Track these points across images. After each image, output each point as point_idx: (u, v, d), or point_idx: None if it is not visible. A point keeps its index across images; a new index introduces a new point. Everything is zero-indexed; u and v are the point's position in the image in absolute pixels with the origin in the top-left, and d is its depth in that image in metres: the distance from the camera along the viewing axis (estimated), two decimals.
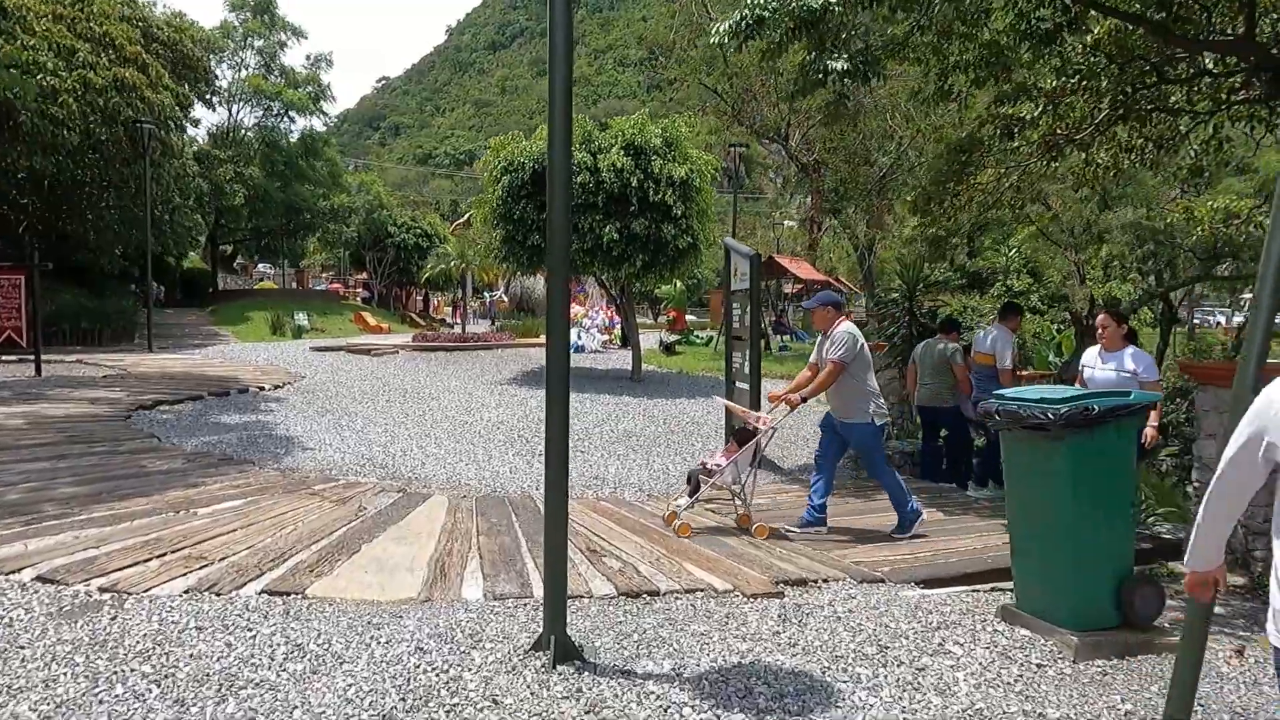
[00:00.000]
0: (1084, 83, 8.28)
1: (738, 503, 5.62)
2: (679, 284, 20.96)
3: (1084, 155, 9.12)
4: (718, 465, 5.57)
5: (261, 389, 11.93)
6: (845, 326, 5.47)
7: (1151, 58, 7.98)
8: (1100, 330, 5.80)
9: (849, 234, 21.18)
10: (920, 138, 18.36)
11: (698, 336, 23.66)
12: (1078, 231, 16.72)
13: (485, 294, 39.11)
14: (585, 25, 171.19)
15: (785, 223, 35.72)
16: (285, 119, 32.52)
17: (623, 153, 12.97)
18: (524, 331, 23.04)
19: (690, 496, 5.60)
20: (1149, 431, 5.39)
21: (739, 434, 5.72)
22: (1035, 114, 8.81)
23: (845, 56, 7.29)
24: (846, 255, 33.48)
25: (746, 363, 7.98)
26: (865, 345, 5.49)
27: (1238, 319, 38.60)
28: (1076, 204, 15.85)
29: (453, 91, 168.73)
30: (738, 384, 8.44)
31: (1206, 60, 7.80)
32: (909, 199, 10.25)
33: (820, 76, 7.45)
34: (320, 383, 13.07)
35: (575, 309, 20.65)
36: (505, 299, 38.78)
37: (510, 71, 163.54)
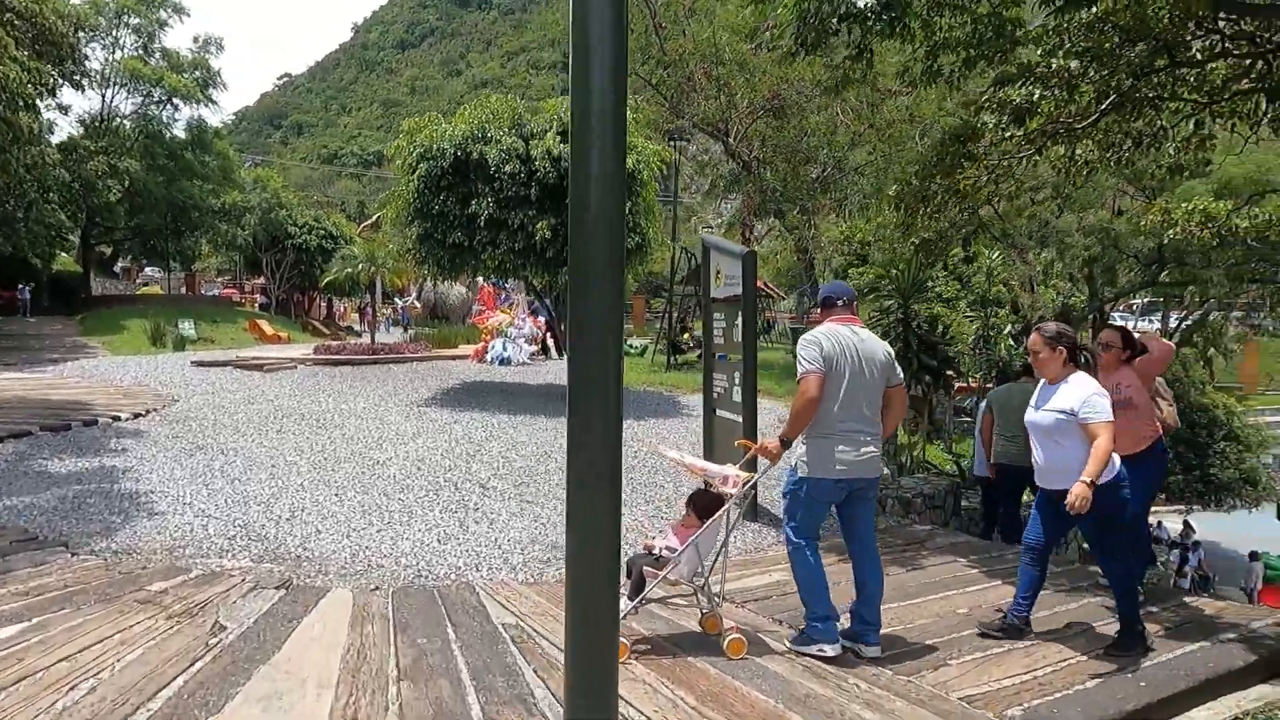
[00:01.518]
0: (1094, 63, 7.24)
1: (701, 600, 3.96)
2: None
3: (1070, 149, 8.16)
4: (668, 551, 3.83)
5: (116, 418, 9.63)
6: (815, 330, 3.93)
7: (1162, 35, 6.92)
8: (1032, 356, 4.19)
9: (794, 235, 19.95)
10: (871, 133, 17.29)
11: (632, 346, 22.06)
12: (1035, 234, 15.92)
13: (397, 300, 36.53)
14: (498, 27, 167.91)
15: (715, 223, 34.59)
16: (169, 107, 29.31)
17: (558, 138, 11.25)
18: (441, 340, 20.92)
19: (631, 597, 3.82)
20: (1074, 491, 3.68)
21: (699, 501, 3.97)
22: (1036, 98, 7.70)
23: None
24: (773, 256, 32.57)
25: (736, 386, 6.41)
26: (839, 347, 3.80)
27: (1147, 323, 39.73)
28: (1039, 205, 15.04)
29: (359, 90, 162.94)
30: (719, 412, 6.85)
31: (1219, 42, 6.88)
32: (889, 194, 8.89)
33: (835, 23, 5.98)
34: (196, 408, 10.82)
35: (499, 317, 18.72)
36: (418, 305, 36.33)
37: (420, 71, 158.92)
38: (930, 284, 8.83)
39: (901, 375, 4.03)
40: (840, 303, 3.99)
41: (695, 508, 3.84)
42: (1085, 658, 3.86)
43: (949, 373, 8.81)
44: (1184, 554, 16.93)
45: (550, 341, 19.22)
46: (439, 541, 5.52)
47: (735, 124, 19.24)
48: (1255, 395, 34.93)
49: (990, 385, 11.99)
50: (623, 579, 3.91)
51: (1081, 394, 3.88)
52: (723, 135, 19.31)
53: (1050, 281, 19.49)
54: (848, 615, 3.93)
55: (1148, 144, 8.01)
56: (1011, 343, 16.30)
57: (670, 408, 12.49)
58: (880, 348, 3.92)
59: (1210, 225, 11.90)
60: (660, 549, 3.84)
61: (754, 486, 3.88)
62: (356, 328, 33.43)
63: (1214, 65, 7.17)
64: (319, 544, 5.36)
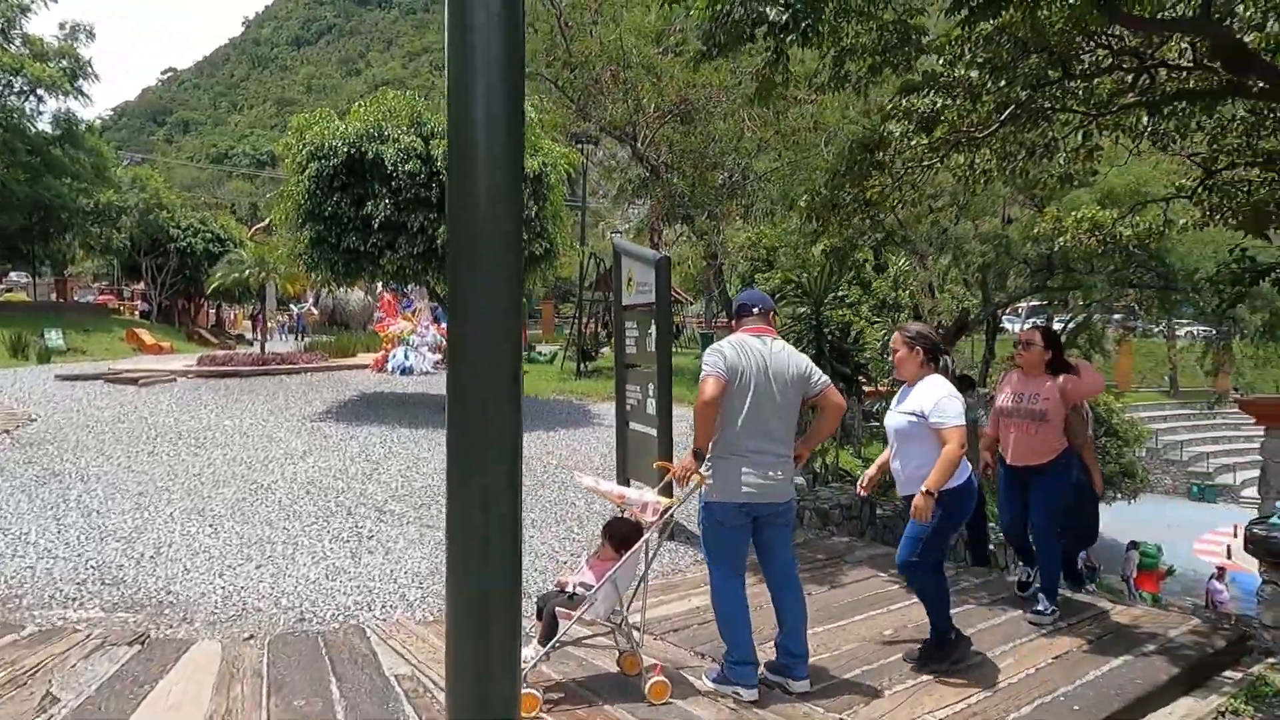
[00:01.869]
0: (994, 73, 7.42)
1: (619, 638, 3.62)
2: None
3: (970, 158, 8.31)
4: (583, 589, 3.46)
5: None
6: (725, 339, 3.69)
7: (1057, 48, 7.12)
8: (892, 355, 4.07)
9: (704, 241, 19.93)
10: (777, 139, 17.41)
11: (540, 353, 21.58)
12: (935, 239, 16.32)
13: (293, 306, 34.80)
14: (399, 26, 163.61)
15: (623, 228, 34.46)
16: (32, 99, 27.01)
17: None
18: (339, 349, 19.90)
19: (541, 641, 3.44)
20: (915, 504, 3.68)
21: (616, 531, 3.60)
22: (939, 107, 7.83)
23: (781, 2, 5.66)
24: (683, 262, 32.65)
25: (650, 399, 6.12)
26: (745, 360, 3.50)
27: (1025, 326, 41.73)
28: (938, 211, 15.41)
29: (251, 88, 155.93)
30: (632, 425, 6.55)
31: (1101, 57, 7.18)
32: (801, 204, 8.86)
33: (749, 30, 5.78)
34: (55, 428, 9.78)
35: (402, 325, 17.93)
36: (315, 312, 34.72)
37: (317, 70, 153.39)
38: (840, 291, 8.79)
39: (824, 380, 3.65)
40: (755, 311, 3.70)
41: (612, 538, 3.49)
42: (1016, 679, 3.72)
43: (860, 379, 8.79)
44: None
45: None
46: (327, 577, 5.00)
47: (643, 128, 19.07)
48: (1129, 393, 37.30)
49: (896, 390, 12.21)
50: (533, 621, 3.54)
51: (934, 396, 3.74)
52: (630, 139, 19.11)
53: (946, 287, 20.13)
54: (774, 646, 3.67)
55: (1040, 154, 8.24)
56: None
57: (581, 417, 12.14)
58: (795, 361, 3.59)
59: (1098, 233, 12.41)
60: (574, 586, 3.47)
61: (670, 519, 3.57)
62: (249, 336, 31.65)
63: (1100, 80, 7.31)
64: (186, 586, 4.75)
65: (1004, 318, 32.57)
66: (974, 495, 3.94)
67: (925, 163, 8.24)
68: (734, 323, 3.78)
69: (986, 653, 4.01)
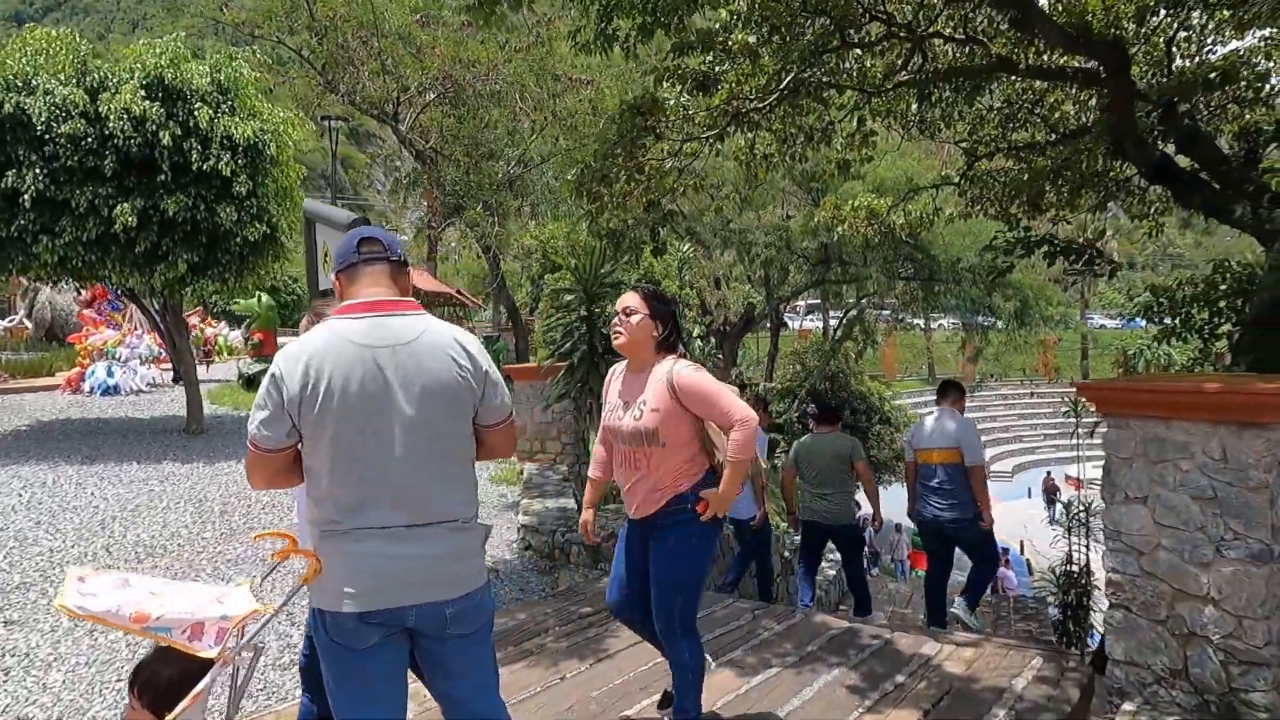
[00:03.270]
0: (774, 34, 6.92)
1: None
2: (264, 296, 16.08)
3: (750, 140, 7.76)
4: None
5: None
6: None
7: (833, 11, 6.62)
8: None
9: (477, 236, 18.32)
10: (555, 124, 16.20)
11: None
12: (719, 231, 15.83)
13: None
14: None
15: (408, 229, 32.09)
16: None
17: (143, 94, 8.45)
18: (29, 369, 16.16)
19: None
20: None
21: (146, 680, 1.99)
22: (715, 70, 7.21)
23: None
24: (475, 260, 30.79)
25: None
26: (335, 379, 1.91)
27: (811, 323, 44.09)
28: (721, 200, 14.89)
29: None
30: None
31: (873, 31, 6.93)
32: (569, 179, 7.65)
33: None
34: None
35: (108, 334, 14.72)
36: (29, 325, 29.04)
37: None
38: (621, 282, 7.64)
39: (503, 403, 2.10)
40: (363, 265, 2.04)
41: (142, 694, 1.91)
42: None
43: None
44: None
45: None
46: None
47: (406, 108, 17.13)
48: (895, 382, 40.26)
49: None
50: None
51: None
52: (391, 120, 17.10)
53: (732, 283, 19.95)
54: None
55: (819, 139, 7.77)
56: (700, 344, 16.13)
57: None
58: (447, 356, 1.99)
59: (874, 222, 12.40)
60: None
61: (257, 651, 2.02)
62: None
63: (873, 63, 7.01)
64: None
65: (785, 314, 33.82)
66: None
67: (704, 135, 7.50)
68: (337, 289, 2.09)
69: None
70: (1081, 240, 7.51)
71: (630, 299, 2.80)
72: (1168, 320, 8.04)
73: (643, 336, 2.76)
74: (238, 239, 9.03)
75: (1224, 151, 6.39)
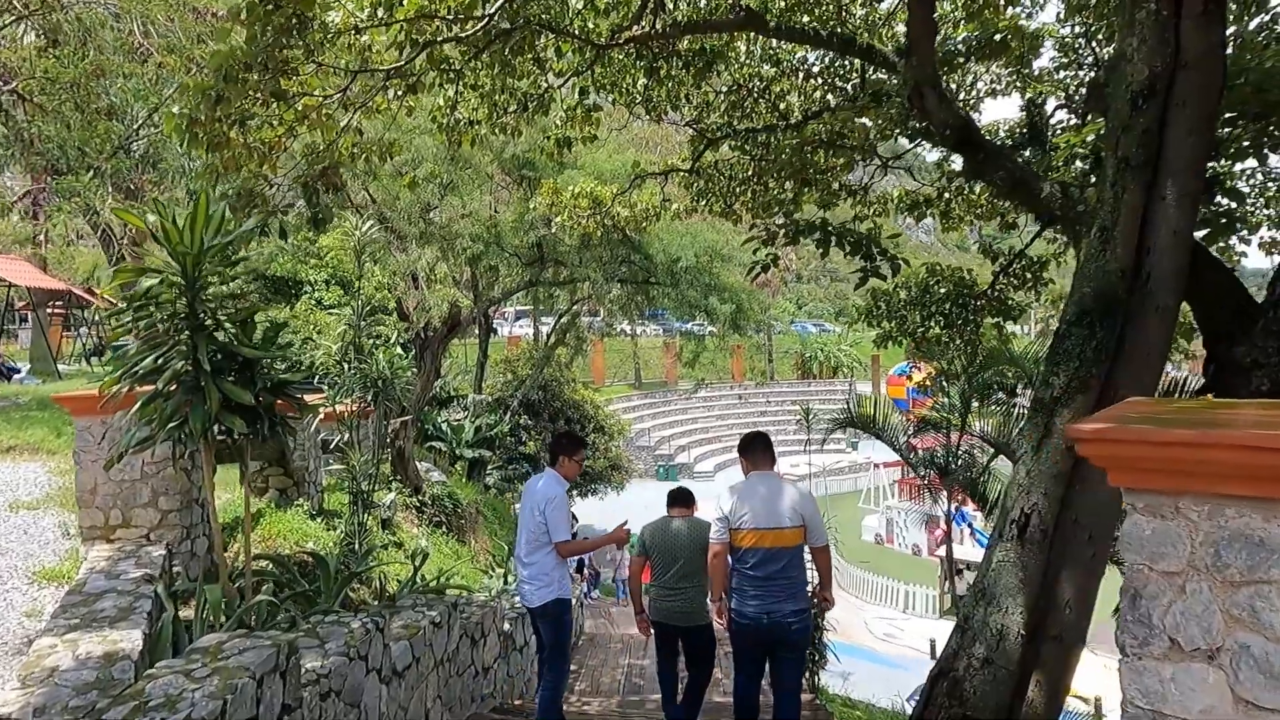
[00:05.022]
0: None
1: None
2: None
3: (451, 99, 6.31)
4: None
5: None
6: None
7: None
8: None
9: (88, 213, 13.98)
10: (197, 74, 12.61)
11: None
12: (415, 219, 13.29)
13: None
14: None
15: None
16: None
17: None
18: None
19: None
20: None
21: None
22: None
23: None
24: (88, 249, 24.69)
25: None
26: None
27: (520, 329, 42.57)
28: (416, 182, 12.44)
29: None
30: None
31: None
32: (172, 112, 4.96)
33: None
34: None
35: None
36: None
37: None
38: (242, 255, 5.05)
39: None
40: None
41: None
42: None
43: (290, 398, 5.05)
44: (580, 564, 16.47)
45: None
46: None
47: None
48: (605, 387, 40.14)
49: (372, 407, 8.94)
50: None
51: None
52: None
53: (436, 286, 17.42)
54: None
55: (535, 108, 6.63)
56: (400, 351, 13.49)
57: None
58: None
59: (597, 212, 11.05)
60: None
61: None
62: None
63: (598, 21, 6.13)
64: None
65: (495, 319, 31.76)
66: None
67: (385, 69, 5.56)
68: None
69: None
70: (863, 229, 6.47)
71: None
72: (885, 324, 7.86)
73: None
74: None
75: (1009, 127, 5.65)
